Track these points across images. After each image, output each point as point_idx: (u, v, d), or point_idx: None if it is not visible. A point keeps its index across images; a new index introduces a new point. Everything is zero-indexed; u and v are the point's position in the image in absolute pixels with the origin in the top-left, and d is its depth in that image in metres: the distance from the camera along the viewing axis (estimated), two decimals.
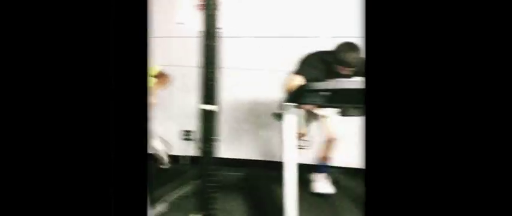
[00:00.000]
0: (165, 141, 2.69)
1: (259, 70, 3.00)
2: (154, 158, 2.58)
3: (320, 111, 2.40)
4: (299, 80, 2.11)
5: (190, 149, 3.15)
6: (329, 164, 2.59)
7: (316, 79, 2.15)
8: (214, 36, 1.53)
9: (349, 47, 2.12)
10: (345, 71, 2.12)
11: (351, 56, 2.08)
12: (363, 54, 2.03)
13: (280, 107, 1.90)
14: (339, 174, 2.85)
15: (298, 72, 2.19)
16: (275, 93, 2.10)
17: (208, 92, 1.56)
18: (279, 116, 2.09)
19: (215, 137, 1.61)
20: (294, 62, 2.26)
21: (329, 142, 2.47)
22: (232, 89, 2.99)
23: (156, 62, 2.92)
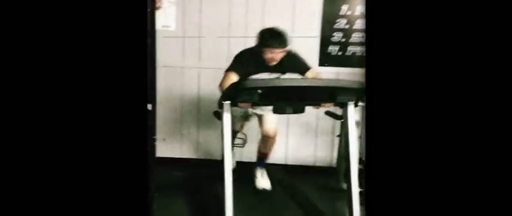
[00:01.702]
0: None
1: (199, 68, 2.99)
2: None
3: (255, 109, 2.42)
4: (233, 77, 2.16)
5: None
6: (267, 161, 2.66)
7: (249, 75, 2.20)
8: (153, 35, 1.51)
9: (271, 30, 2.18)
10: (270, 58, 2.17)
11: (272, 39, 2.14)
12: (288, 39, 2.13)
13: (218, 105, 1.92)
14: (277, 170, 2.91)
15: (232, 68, 2.23)
16: (216, 91, 2.10)
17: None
18: (218, 115, 2.08)
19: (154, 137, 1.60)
20: (229, 59, 2.29)
21: (265, 139, 2.52)
22: (172, 88, 2.97)
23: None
